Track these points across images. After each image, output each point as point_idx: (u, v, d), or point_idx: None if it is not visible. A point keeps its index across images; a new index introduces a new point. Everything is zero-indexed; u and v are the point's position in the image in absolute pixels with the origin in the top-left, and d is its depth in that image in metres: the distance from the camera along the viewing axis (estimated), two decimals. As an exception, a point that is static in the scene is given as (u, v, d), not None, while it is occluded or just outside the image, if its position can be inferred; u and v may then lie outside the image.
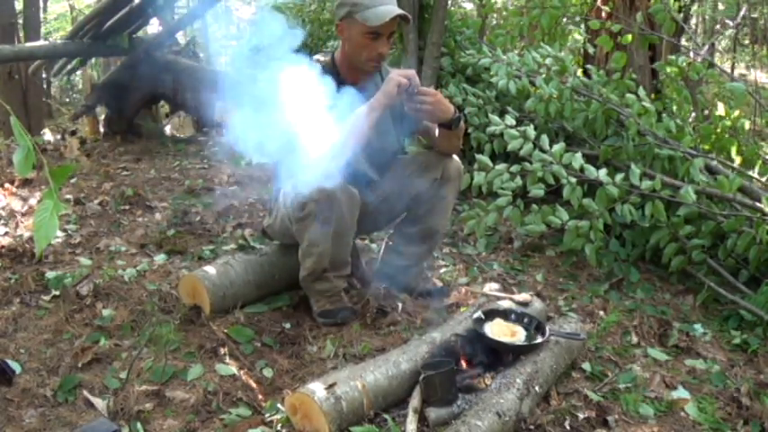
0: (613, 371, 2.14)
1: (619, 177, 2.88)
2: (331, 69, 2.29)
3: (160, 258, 2.82)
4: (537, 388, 1.85)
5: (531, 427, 1.77)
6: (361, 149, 2.16)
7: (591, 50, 4.71)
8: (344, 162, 2.08)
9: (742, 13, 8.05)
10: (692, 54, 4.38)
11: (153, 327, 2.17)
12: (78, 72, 6.31)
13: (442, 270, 2.91)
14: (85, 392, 1.84)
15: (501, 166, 2.94)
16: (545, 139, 2.97)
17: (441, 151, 2.44)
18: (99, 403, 1.80)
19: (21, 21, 7.75)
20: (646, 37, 3.81)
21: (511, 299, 2.30)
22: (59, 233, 2.96)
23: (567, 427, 1.80)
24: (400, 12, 2.16)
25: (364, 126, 2.11)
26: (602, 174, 2.86)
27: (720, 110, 3.53)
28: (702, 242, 2.84)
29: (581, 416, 1.85)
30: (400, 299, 2.47)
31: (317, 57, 2.30)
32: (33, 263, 2.67)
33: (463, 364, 1.94)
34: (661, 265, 2.96)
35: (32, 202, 3.47)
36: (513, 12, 5.55)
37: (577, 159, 2.91)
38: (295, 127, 1.99)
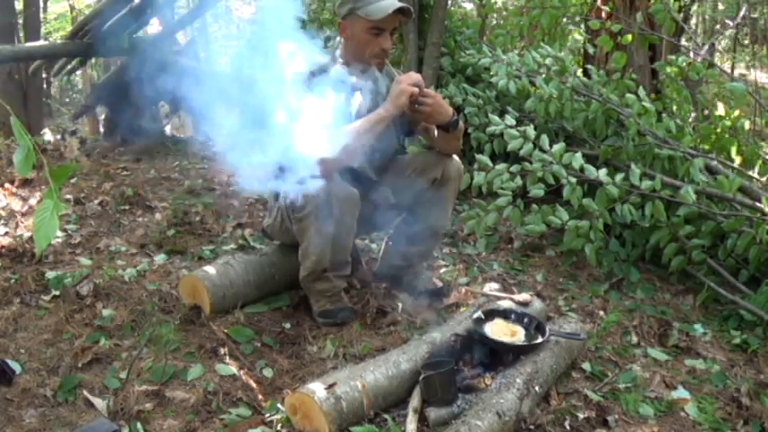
0: (613, 371, 2.14)
1: (619, 177, 2.87)
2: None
3: (160, 258, 2.82)
4: (537, 388, 1.85)
5: (531, 427, 1.77)
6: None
7: (591, 50, 4.71)
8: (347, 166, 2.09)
9: (742, 13, 8.04)
10: (692, 54, 4.38)
11: (153, 327, 2.17)
12: (78, 72, 6.31)
13: (442, 270, 2.91)
14: (85, 392, 1.84)
15: (501, 166, 2.94)
16: (545, 139, 2.97)
17: (440, 151, 2.44)
18: (99, 403, 1.80)
19: (21, 21, 7.74)
20: (646, 37, 3.81)
21: (511, 299, 2.30)
22: (59, 233, 2.96)
23: (567, 427, 1.80)
24: (402, 5, 2.16)
25: (371, 135, 2.12)
26: (602, 174, 2.86)
27: (720, 110, 3.52)
28: (702, 242, 2.84)
29: (581, 416, 1.85)
30: (400, 299, 2.47)
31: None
32: (33, 263, 2.67)
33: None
34: (661, 265, 2.96)
35: (32, 202, 3.47)
36: (513, 12, 5.56)
37: (577, 159, 2.91)
38: (297, 127, 1.99)
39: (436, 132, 2.37)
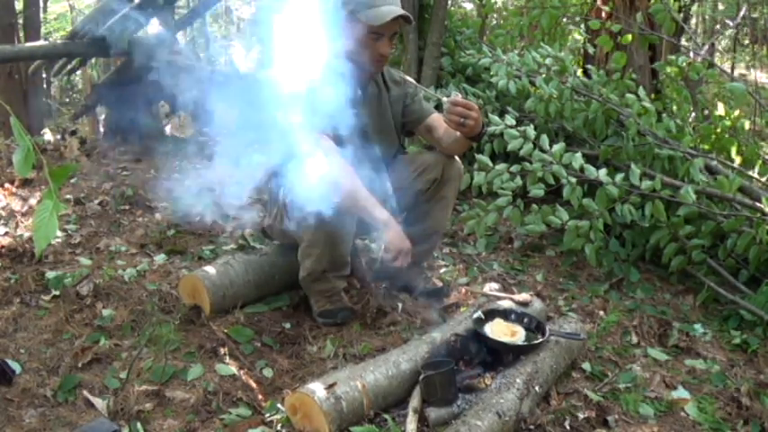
0: (613, 371, 2.14)
1: (619, 177, 2.88)
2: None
3: (160, 258, 2.82)
4: (537, 388, 1.85)
5: (531, 427, 1.77)
6: (361, 149, 2.16)
7: (591, 50, 4.71)
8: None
9: (742, 13, 8.05)
10: (692, 54, 4.38)
11: (153, 327, 2.17)
12: (78, 72, 6.30)
13: (442, 270, 2.91)
14: (85, 392, 1.84)
15: (501, 166, 2.94)
16: (545, 139, 2.97)
17: (445, 152, 2.44)
18: (99, 403, 1.80)
19: (21, 21, 7.74)
20: (646, 37, 3.81)
21: (511, 299, 2.30)
22: (59, 233, 2.96)
23: (567, 427, 1.80)
24: (402, 12, 2.15)
25: (356, 208, 2.12)
26: (602, 174, 2.86)
27: (720, 110, 3.53)
28: (702, 242, 2.84)
29: (581, 416, 1.85)
30: (400, 299, 2.47)
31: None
32: (33, 263, 2.67)
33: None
34: (661, 265, 2.96)
35: (32, 202, 3.47)
36: (513, 12, 5.57)
37: (577, 159, 2.91)
38: (296, 129, 1.99)
39: (457, 136, 2.33)
